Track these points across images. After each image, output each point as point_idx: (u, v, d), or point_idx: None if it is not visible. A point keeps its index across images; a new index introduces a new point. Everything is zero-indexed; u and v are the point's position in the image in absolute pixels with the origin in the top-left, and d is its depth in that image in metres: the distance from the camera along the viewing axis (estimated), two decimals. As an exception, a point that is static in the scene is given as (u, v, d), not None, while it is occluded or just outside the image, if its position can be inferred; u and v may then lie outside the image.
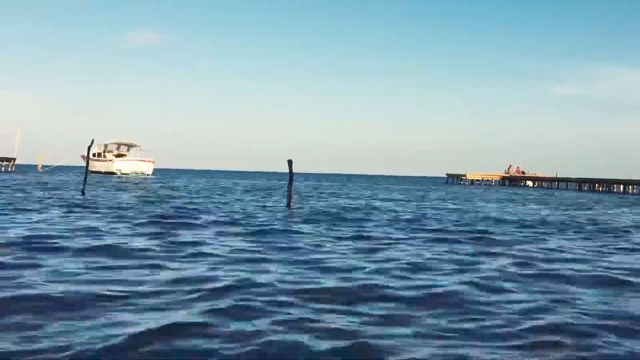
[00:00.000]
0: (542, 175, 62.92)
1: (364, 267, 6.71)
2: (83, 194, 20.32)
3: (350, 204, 19.73)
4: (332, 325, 4.22)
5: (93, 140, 24.00)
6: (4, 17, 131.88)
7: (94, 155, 54.16)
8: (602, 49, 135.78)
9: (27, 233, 8.88)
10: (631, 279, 6.48)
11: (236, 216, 13.31)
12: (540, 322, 4.46)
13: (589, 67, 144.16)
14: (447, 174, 71.69)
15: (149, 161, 55.57)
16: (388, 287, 5.61)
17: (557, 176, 59.26)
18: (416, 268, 6.81)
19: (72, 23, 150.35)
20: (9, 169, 54.43)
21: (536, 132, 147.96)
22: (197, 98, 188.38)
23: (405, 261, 7.23)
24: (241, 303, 4.79)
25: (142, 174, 54.21)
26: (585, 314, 4.77)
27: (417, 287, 5.64)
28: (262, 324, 4.23)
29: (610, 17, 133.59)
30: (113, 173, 53.20)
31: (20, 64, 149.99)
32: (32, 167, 74.16)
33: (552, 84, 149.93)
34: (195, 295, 5.07)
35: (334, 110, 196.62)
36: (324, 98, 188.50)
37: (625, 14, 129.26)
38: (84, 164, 31.84)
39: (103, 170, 55.09)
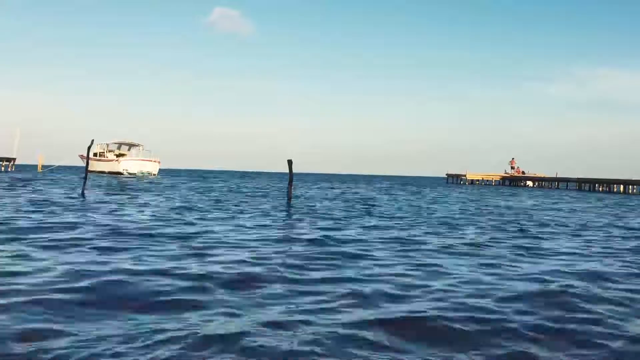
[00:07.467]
0: (542, 175, 62.82)
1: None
2: (83, 196, 19.79)
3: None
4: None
5: (93, 140, 23.95)
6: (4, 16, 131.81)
7: (95, 155, 54.03)
8: (600, 50, 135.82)
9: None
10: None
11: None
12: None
13: (588, 68, 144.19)
14: (447, 174, 71.70)
15: (154, 161, 55.60)
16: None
17: (557, 176, 59.18)
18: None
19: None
20: (9, 169, 54.29)
21: (535, 132, 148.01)
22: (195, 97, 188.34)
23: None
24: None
25: (149, 173, 54.15)
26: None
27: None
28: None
29: (610, 18, 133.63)
30: (119, 173, 52.98)
31: (19, 62, 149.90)
32: (31, 167, 74.13)
33: (551, 84, 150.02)
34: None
35: (334, 111, 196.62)
36: (325, 98, 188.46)
37: (624, 14, 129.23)
38: (84, 164, 31.84)
39: (107, 170, 54.80)
